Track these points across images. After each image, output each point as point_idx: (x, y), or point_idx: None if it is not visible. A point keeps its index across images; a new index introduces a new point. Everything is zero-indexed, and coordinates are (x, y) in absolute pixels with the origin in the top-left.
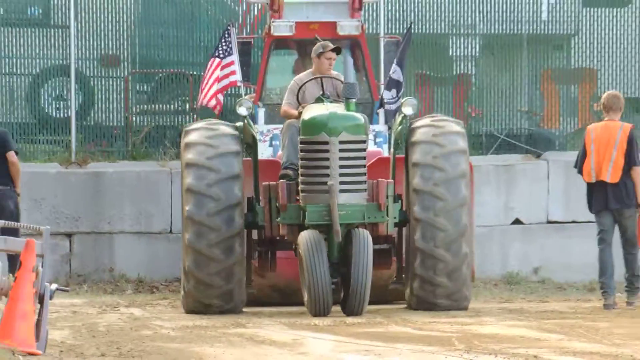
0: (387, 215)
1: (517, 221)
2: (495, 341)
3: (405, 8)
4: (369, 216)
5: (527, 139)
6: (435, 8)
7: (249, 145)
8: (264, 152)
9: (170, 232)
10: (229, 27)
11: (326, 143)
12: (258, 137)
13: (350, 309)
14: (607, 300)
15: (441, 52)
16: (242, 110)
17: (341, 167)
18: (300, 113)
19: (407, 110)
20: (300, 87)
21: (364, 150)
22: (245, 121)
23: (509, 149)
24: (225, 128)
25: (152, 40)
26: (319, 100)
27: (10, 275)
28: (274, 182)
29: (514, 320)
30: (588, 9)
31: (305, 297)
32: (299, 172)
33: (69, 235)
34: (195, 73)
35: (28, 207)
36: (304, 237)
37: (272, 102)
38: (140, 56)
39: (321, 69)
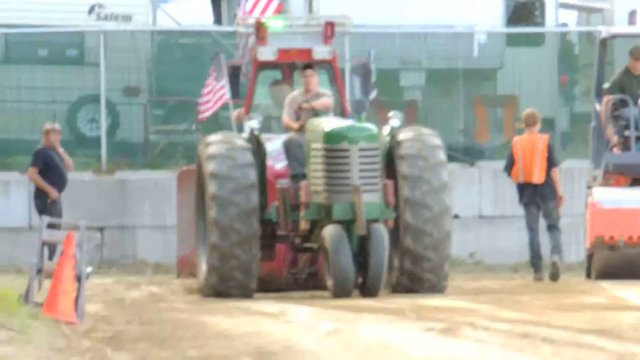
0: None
1: (456, 216)
2: (440, 311)
3: (365, 47)
4: (382, 213)
5: (463, 151)
6: (388, 48)
7: (257, 154)
8: None
9: None
10: (218, 53)
11: (347, 150)
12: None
13: (369, 293)
14: (537, 275)
15: (394, 83)
16: (254, 124)
17: (360, 170)
18: (301, 126)
19: (395, 122)
20: (300, 105)
21: (378, 156)
22: (256, 133)
23: (448, 159)
24: (244, 156)
25: (165, 74)
26: (316, 115)
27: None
28: (288, 185)
29: (454, 294)
30: (510, 47)
31: (330, 283)
32: (316, 176)
33: (100, 229)
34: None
35: (68, 207)
36: (330, 231)
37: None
38: (156, 87)
39: (307, 87)
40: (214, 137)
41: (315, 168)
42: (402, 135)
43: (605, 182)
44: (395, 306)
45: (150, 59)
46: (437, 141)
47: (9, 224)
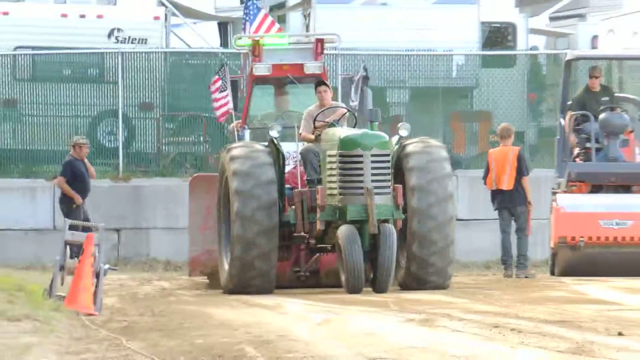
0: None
1: None
2: (420, 304)
3: (354, 67)
4: (392, 214)
5: None
6: (376, 68)
7: (276, 160)
8: None
9: None
10: (224, 65)
11: (361, 156)
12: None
13: (379, 288)
14: (506, 272)
15: (381, 99)
16: (274, 133)
17: (372, 174)
18: (317, 137)
19: (403, 132)
20: (316, 117)
21: (389, 161)
22: (276, 142)
23: None
24: (263, 157)
25: (176, 92)
26: (332, 125)
27: (75, 258)
28: (306, 189)
29: (433, 289)
30: (485, 68)
31: (343, 278)
32: (332, 180)
33: (117, 230)
34: (207, 115)
35: (89, 210)
36: (343, 230)
37: (254, 126)
38: (168, 103)
39: (321, 102)
40: (236, 144)
41: (331, 173)
42: (411, 147)
43: (568, 189)
44: (379, 299)
45: (163, 77)
46: (443, 153)
47: (35, 226)
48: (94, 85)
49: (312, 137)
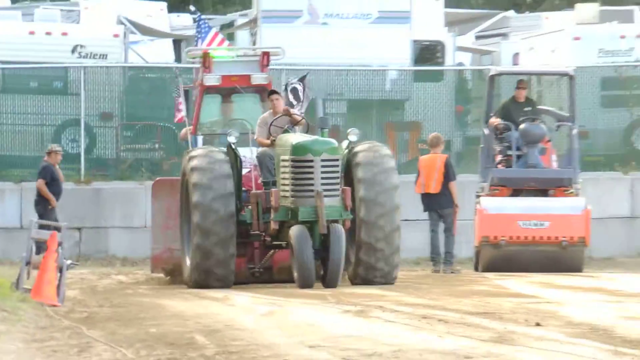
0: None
1: None
2: (355, 297)
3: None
4: (341, 214)
5: None
6: (316, 81)
7: (233, 164)
8: None
9: (145, 226)
10: (177, 72)
11: (311, 161)
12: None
13: (328, 284)
14: (435, 268)
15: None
16: (232, 139)
17: (322, 178)
18: (272, 141)
19: (353, 137)
20: (271, 123)
21: (338, 166)
22: (233, 147)
23: None
24: (220, 156)
25: (134, 103)
26: (285, 131)
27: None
28: (261, 191)
29: (366, 283)
30: (417, 82)
31: (295, 275)
32: (285, 183)
33: (79, 229)
34: (162, 124)
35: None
36: (295, 230)
37: (205, 132)
38: (126, 113)
39: (274, 109)
40: (196, 152)
41: (284, 177)
42: (358, 148)
43: (491, 193)
44: (319, 292)
45: (122, 90)
46: (387, 151)
47: (3, 224)
48: (58, 97)
49: (268, 142)
